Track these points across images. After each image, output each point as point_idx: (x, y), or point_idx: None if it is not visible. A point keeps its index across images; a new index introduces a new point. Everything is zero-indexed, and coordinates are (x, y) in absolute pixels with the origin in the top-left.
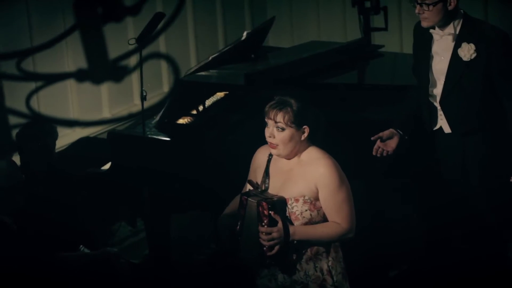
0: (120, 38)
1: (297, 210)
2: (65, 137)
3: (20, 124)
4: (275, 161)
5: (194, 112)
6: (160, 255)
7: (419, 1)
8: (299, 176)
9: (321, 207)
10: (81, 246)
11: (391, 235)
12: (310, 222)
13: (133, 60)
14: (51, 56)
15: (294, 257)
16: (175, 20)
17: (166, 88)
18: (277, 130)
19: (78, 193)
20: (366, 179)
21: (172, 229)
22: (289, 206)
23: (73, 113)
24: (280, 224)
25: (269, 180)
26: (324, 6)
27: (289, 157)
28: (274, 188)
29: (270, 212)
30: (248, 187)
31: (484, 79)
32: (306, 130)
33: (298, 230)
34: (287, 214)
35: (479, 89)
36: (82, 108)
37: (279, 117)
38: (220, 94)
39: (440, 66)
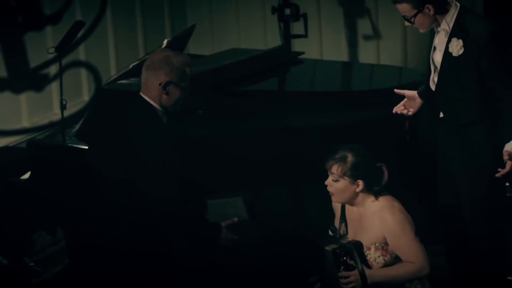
0: (39, 47)
1: (371, 257)
2: None
3: None
4: (350, 209)
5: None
6: (80, 265)
7: (403, 17)
8: (367, 226)
9: (393, 251)
10: None
11: None
12: (385, 265)
13: (53, 69)
14: None
15: None
16: (95, 29)
17: (86, 97)
18: (332, 180)
19: None
20: (291, 186)
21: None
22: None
23: None
24: (356, 269)
25: (346, 225)
26: (244, 13)
27: (351, 204)
28: (350, 234)
29: (344, 258)
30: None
31: (477, 74)
32: (361, 183)
33: (375, 273)
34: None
35: (471, 83)
36: (1, 117)
37: (334, 168)
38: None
39: (437, 58)
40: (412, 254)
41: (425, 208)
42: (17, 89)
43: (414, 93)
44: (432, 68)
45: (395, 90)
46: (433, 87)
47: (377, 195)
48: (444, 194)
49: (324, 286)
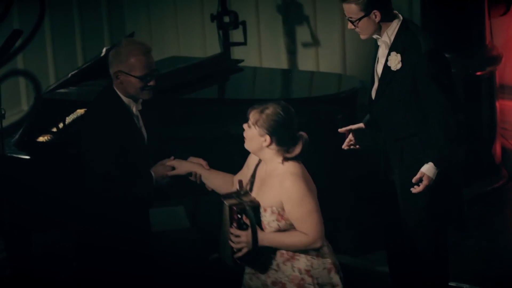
0: None
1: (265, 220)
2: None
3: None
4: (261, 166)
5: (54, 129)
6: (22, 275)
7: (348, 18)
8: (268, 187)
9: (288, 218)
10: None
11: None
12: (278, 230)
13: None
14: None
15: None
16: (33, 38)
17: (25, 106)
18: (247, 126)
19: None
20: None
21: (35, 247)
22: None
23: None
24: (249, 229)
25: (253, 183)
26: (183, 21)
27: (261, 159)
28: (253, 193)
29: (238, 215)
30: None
31: (413, 89)
32: (267, 139)
33: (267, 237)
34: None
35: (407, 97)
36: None
37: (251, 114)
38: (80, 111)
39: (378, 70)
40: (306, 226)
41: (365, 215)
42: None
43: (360, 125)
44: (376, 79)
45: (340, 130)
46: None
47: (286, 159)
48: (386, 202)
49: (221, 251)
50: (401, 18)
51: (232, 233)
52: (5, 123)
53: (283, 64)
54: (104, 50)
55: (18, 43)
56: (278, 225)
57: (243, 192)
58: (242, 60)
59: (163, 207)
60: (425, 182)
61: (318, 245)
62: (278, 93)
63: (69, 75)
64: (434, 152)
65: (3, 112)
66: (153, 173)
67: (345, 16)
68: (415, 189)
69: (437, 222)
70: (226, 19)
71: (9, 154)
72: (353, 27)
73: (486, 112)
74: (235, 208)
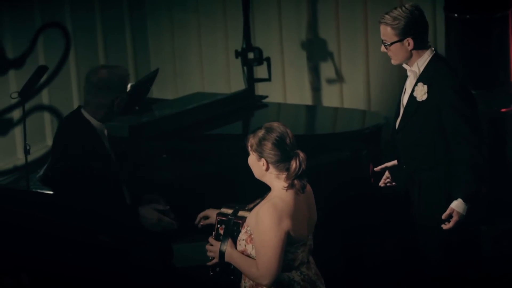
0: (2, 91)
1: (240, 237)
2: None
3: None
4: None
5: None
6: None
7: (382, 39)
8: (256, 208)
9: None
10: None
11: None
12: (244, 252)
13: (16, 113)
14: None
15: (232, 277)
16: (59, 73)
17: (50, 141)
18: (250, 153)
19: None
20: None
21: None
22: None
23: None
24: (221, 242)
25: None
26: (207, 57)
27: (269, 185)
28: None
29: (218, 225)
30: None
31: (437, 121)
32: (264, 162)
33: (232, 255)
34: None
35: (430, 129)
36: None
37: (250, 140)
38: None
39: (404, 100)
40: (258, 258)
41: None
42: None
43: (394, 162)
44: (401, 109)
45: (375, 169)
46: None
47: (291, 186)
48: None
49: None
50: (434, 50)
51: (208, 241)
52: (30, 158)
53: (308, 100)
54: (128, 86)
55: (43, 78)
56: (245, 245)
57: (247, 208)
58: (266, 96)
59: (186, 243)
60: (455, 218)
61: (264, 283)
62: (302, 129)
63: None
64: (462, 188)
65: (28, 147)
66: (141, 212)
67: (377, 49)
68: (446, 226)
69: (454, 258)
70: (251, 55)
71: (34, 190)
72: (385, 50)
73: (510, 148)
74: (218, 218)
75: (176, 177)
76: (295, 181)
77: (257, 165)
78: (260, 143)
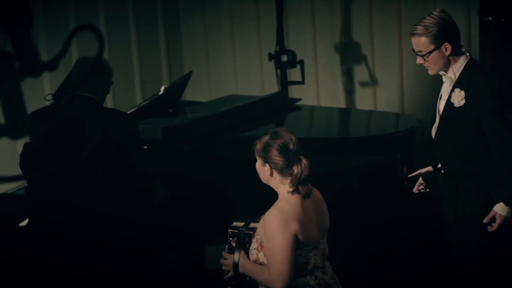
0: (37, 94)
1: (252, 247)
2: None
3: None
4: None
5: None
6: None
7: (417, 52)
8: (265, 215)
9: None
10: None
11: None
12: (257, 261)
13: None
14: None
15: None
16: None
17: None
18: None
19: None
20: None
21: None
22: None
23: None
24: (234, 254)
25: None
26: (241, 59)
27: (276, 190)
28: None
29: (230, 238)
30: None
31: (475, 127)
32: (268, 168)
33: (245, 265)
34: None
35: (469, 135)
36: None
37: (256, 146)
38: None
39: (440, 107)
40: (269, 263)
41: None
42: (14, 136)
43: (429, 168)
44: (437, 116)
45: (410, 175)
46: (434, 135)
47: (296, 191)
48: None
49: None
50: (468, 55)
51: (222, 255)
52: None
53: (341, 103)
54: (162, 88)
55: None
56: (257, 254)
57: (259, 219)
58: (300, 99)
59: (220, 245)
60: (498, 221)
61: (277, 287)
62: (335, 132)
63: (128, 113)
64: (503, 191)
65: None
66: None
67: (410, 51)
68: (491, 228)
69: (491, 263)
70: (284, 58)
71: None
72: (422, 61)
73: None
74: (230, 231)
75: (209, 179)
76: (300, 187)
77: (263, 170)
78: (265, 148)
